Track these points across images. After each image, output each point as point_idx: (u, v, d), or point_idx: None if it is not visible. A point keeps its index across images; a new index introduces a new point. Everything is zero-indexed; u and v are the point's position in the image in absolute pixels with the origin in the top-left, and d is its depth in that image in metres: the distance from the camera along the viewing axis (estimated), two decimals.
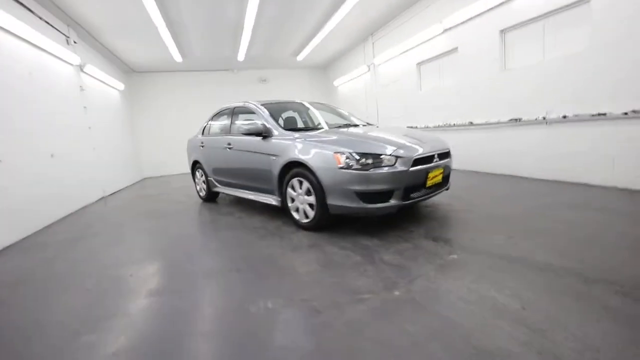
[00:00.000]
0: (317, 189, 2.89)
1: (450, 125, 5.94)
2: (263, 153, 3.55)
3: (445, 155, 3.17)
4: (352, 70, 9.62)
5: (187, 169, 5.72)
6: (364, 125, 4.00)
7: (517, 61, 4.66)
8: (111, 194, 6.94)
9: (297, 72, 11.80)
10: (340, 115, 4.43)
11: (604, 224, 2.63)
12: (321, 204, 2.89)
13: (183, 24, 6.37)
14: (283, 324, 1.66)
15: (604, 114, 3.56)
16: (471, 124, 5.47)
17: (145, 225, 4.06)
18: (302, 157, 2.99)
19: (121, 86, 8.64)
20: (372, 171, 2.63)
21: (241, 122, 4.15)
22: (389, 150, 2.73)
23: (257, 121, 3.67)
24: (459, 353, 1.33)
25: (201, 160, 4.93)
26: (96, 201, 6.08)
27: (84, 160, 5.85)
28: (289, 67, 11.49)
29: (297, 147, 3.12)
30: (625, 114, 3.38)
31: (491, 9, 4.80)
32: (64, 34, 5.56)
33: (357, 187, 2.65)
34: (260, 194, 3.78)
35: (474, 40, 5.23)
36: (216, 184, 4.72)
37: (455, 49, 5.68)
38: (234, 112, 4.42)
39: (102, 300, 2.09)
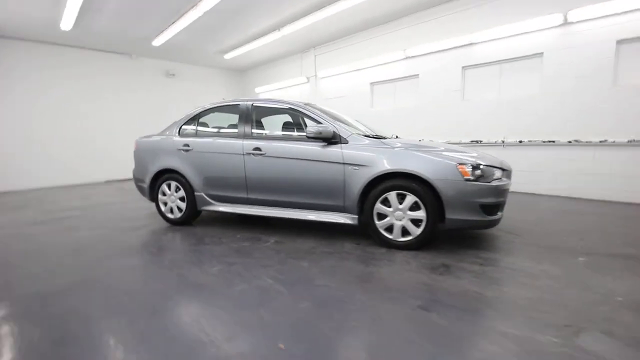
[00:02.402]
0: (430, 203, 2.64)
1: None
2: (331, 162, 2.96)
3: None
4: (284, 79, 9.30)
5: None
6: (379, 137, 3.81)
7: (476, 94, 5.70)
8: None
9: (212, 72, 10.44)
10: (346, 122, 4.05)
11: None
12: (433, 219, 2.66)
13: None
14: None
15: (553, 141, 4.83)
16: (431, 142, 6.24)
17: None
18: (413, 169, 2.67)
19: None
20: (494, 183, 2.64)
21: (287, 125, 3.37)
22: (499, 163, 2.81)
23: (325, 124, 3.02)
24: None
25: (182, 170, 3.62)
26: None
27: None
28: (204, 65, 10.05)
29: (398, 156, 2.77)
30: (569, 142, 4.69)
31: (455, 47, 5.71)
32: None
33: (484, 200, 2.59)
34: (319, 213, 3.10)
35: (436, 70, 6.05)
36: (210, 200, 3.56)
37: (416, 75, 6.40)
38: (254, 111, 3.50)
39: None
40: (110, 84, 8.50)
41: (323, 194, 3.04)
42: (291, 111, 3.42)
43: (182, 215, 3.73)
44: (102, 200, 5.78)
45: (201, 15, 5.66)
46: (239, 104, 3.59)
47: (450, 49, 5.77)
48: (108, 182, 8.47)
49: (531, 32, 4.85)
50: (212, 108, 3.78)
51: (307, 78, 8.72)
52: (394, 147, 2.84)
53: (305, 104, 3.35)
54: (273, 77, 9.78)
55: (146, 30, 6.82)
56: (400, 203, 2.75)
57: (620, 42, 4.18)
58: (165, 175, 3.77)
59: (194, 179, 3.59)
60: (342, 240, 3.11)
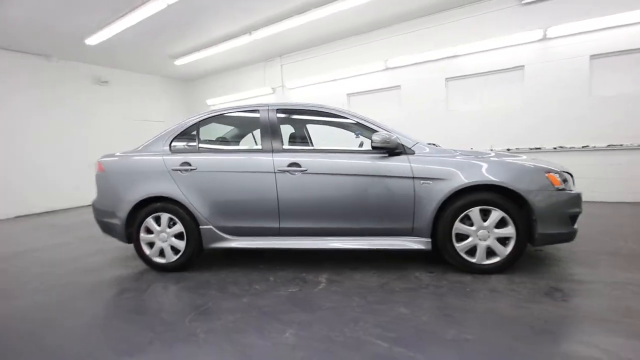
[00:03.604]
0: (520, 217, 2.32)
1: None
2: (397, 177, 2.45)
3: None
4: (244, 90, 8.47)
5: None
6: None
7: (460, 105, 5.81)
8: None
9: (153, 80, 9.05)
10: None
11: None
12: (524, 237, 2.33)
13: None
14: None
15: (539, 148, 5.10)
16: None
17: None
18: (502, 180, 2.32)
19: None
20: (576, 191, 2.44)
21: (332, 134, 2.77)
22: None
23: (384, 132, 2.48)
24: None
25: (181, 196, 2.69)
26: None
27: None
28: (145, 71, 8.65)
29: (480, 167, 2.40)
30: (555, 148, 5.00)
31: (438, 59, 5.79)
32: None
33: (573, 210, 2.36)
34: (380, 239, 2.53)
35: (419, 81, 6.05)
36: (222, 234, 2.71)
37: (397, 87, 6.32)
38: (280, 118, 2.80)
39: None
40: (24, 90, 6.62)
41: (387, 215, 2.50)
42: (330, 117, 2.83)
43: (180, 258, 2.76)
44: (33, 244, 4.21)
45: (164, 8, 4.67)
46: (257, 110, 2.86)
47: (433, 60, 5.83)
48: (19, 217, 6.45)
49: (513, 45, 5.14)
50: (216, 116, 2.95)
51: (273, 89, 8.08)
52: (470, 157, 2.48)
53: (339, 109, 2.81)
54: (230, 88, 8.86)
55: (81, 24, 5.44)
56: (484, 220, 2.38)
57: (593, 57, 4.64)
58: (150, 205, 2.78)
59: (200, 208, 2.70)
60: (409, 270, 2.58)
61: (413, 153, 2.50)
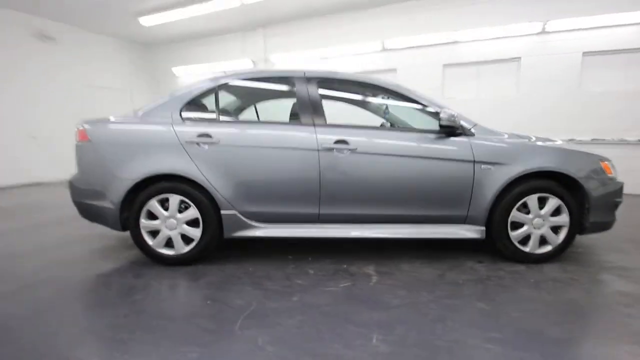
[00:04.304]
0: (575, 205, 2.26)
1: None
2: (457, 160, 2.24)
3: None
4: (218, 60, 7.66)
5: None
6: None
7: (456, 93, 5.80)
8: None
9: (111, 43, 7.82)
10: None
11: None
12: (576, 225, 2.28)
13: None
14: None
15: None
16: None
17: None
18: (564, 167, 2.22)
19: None
20: (621, 181, 2.45)
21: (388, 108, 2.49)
22: None
23: (450, 111, 2.21)
24: None
25: (198, 175, 2.20)
26: None
27: None
28: (101, 31, 7.40)
29: (540, 152, 2.28)
30: None
31: (438, 44, 5.68)
32: None
33: (619, 199, 2.37)
34: (431, 227, 2.32)
35: (416, 66, 5.90)
36: (248, 221, 2.29)
37: (394, 69, 6.12)
38: (319, 88, 2.39)
39: None
40: None
41: (441, 202, 2.29)
42: (377, 90, 2.51)
43: (194, 249, 2.29)
44: None
45: None
46: (291, 77, 2.42)
47: (432, 45, 5.71)
48: None
49: (511, 37, 5.20)
50: (239, 81, 2.45)
51: (253, 61, 7.40)
52: (531, 141, 2.35)
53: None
54: (203, 57, 7.94)
55: None
56: (540, 208, 2.28)
57: (585, 53, 4.86)
58: (155, 185, 2.24)
59: (222, 190, 2.24)
60: (458, 260, 2.42)
61: (473, 135, 2.30)
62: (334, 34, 6.49)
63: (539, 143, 2.39)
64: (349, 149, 2.23)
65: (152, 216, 2.29)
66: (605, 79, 4.86)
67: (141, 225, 2.28)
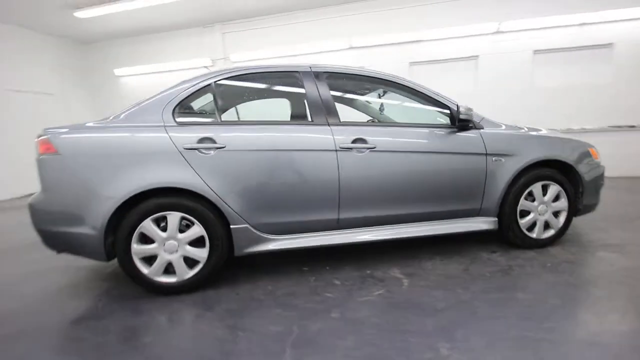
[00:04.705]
0: (571, 191, 2.41)
1: None
2: (471, 153, 2.25)
3: None
4: (171, 60, 7.00)
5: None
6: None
7: None
8: None
9: (37, 39, 6.68)
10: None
11: None
12: (573, 208, 2.45)
13: None
14: None
15: None
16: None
17: None
18: (562, 155, 2.35)
19: None
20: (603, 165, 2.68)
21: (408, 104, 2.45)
22: None
23: (456, 103, 2.18)
24: None
25: (202, 188, 1.90)
26: None
27: None
28: (23, 24, 6.27)
29: (541, 142, 2.41)
30: None
31: (404, 42, 5.82)
32: None
33: (602, 182, 2.58)
34: (437, 223, 2.29)
35: (384, 64, 5.93)
36: (262, 234, 2.05)
37: (361, 67, 6.11)
38: (329, 84, 2.23)
39: None
40: None
41: (459, 196, 2.29)
42: (385, 83, 2.43)
43: (199, 273, 1.98)
44: None
45: None
46: (296, 72, 2.22)
47: (398, 43, 5.84)
48: None
49: (470, 36, 5.52)
50: (238, 76, 2.17)
51: (213, 61, 6.89)
52: (530, 132, 2.46)
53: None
54: (151, 56, 7.19)
55: None
56: (545, 196, 2.40)
57: (536, 52, 5.36)
58: (148, 202, 1.88)
59: (232, 202, 1.96)
60: (471, 252, 2.45)
61: (482, 128, 2.34)
62: (299, 31, 6.31)
63: (536, 133, 2.52)
64: (368, 148, 2.11)
65: (146, 240, 1.94)
66: (552, 75, 5.41)
67: (133, 251, 1.90)
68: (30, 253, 2.84)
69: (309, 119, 2.16)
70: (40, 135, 1.91)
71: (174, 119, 2.00)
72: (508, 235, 2.41)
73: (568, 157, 2.39)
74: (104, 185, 1.86)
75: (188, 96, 2.06)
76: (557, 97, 5.40)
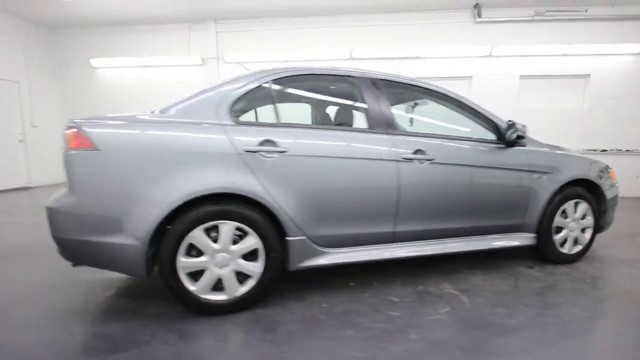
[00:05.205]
0: (596, 209, 2.56)
1: None
2: (517, 169, 2.29)
3: None
4: (155, 55, 6.57)
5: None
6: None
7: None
8: None
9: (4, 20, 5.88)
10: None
11: None
12: (597, 225, 2.59)
13: None
14: None
15: None
16: None
17: None
18: (591, 174, 2.49)
19: None
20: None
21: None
22: None
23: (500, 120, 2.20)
24: None
25: (262, 195, 1.72)
26: None
27: None
28: None
29: (573, 161, 2.53)
30: None
31: (404, 58, 5.97)
32: None
33: (617, 200, 2.77)
34: (483, 238, 2.29)
35: None
36: (318, 247, 1.90)
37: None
38: (386, 91, 2.16)
39: None
40: None
41: (504, 211, 2.32)
42: (438, 96, 2.41)
43: (253, 289, 1.77)
44: None
45: None
46: (353, 77, 2.13)
47: (397, 58, 5.98)
48: None
49: (466, 57, 5.82)
50: (295, 77, 2.02)
51: (203, 59, 6.55)
52: (565, 151, 2.57)
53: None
54: (134, 48, 6.68)
55: None
56: (576, 213, 2.52)
57: (522, 77, 5.77)
58: (200, 210, 1.66)
59: (291, 212, 1.80)
60: (509, 267, 2.48)
61: (525, 145, 2.40)
62: (297, 36, 6.24)
63: (570, 152, 2.65)
64: (428, 159, 2.06)
65: (193, 252, 1.70)
66: (535, 99, 5.85)
67: (179, 265, 1.66)
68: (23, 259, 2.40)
69: (369, 126, 2.07)
70: (71, 127, 1.61)
71: (233, 118, 1.80)
72: (544, 251, 2.49)
73: (595, 177, 2.54)
74: (152, 188, 1.61)
75: (244, 94, 1.87)
76: (539, 120, 5.83)
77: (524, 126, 2.25)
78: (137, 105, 6.39)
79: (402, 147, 2.02)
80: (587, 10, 5.33)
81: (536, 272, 2.40)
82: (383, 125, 2.06)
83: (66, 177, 1.61)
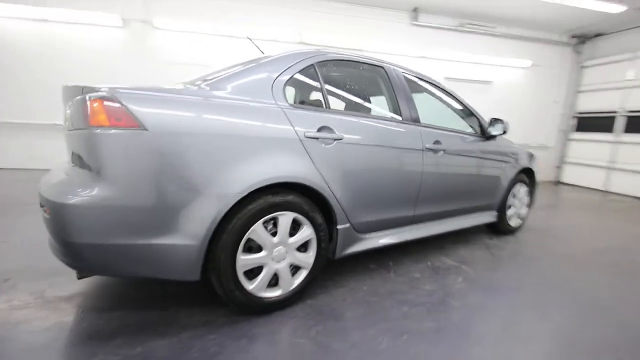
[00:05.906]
0: (531, 191, 3.28)
1: None
2: (493, 158, 2.75)
3: None
4: (55, 6, 5.08)
5: None
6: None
7: None
8: None
9: None
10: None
11: None
12: (528, 204, 3.33)
13: None
14: None
15: None
16: None
17: None
18: (531, 163, 3.15)
19: None
20: None
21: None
22: None
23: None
24: None
25: (320, 184, 1.67)
26: None
27: None
28: None
29: (520, 150, 3.12)
30: None
31: (350, 49, 6.13)
32: None
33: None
34: (468, 216, 2.71)
35: None
36: (359, 234, 1.96)
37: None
38: (406, 85, 2.29)
39: None
40: None
41: (484, 193, 2.78)
42: (437, 91, 2.63)
43: (304, 282, 1.72)
44: None
45: None
46: (381, 66, 2.17)
47: (343, 48, 6.12)
48: None
49: (403, 55, 6.38)
50: (335, 60, 1.96)
51: (124, 20, 5.40)
52: (516, 145, 3.16)
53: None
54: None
55: None
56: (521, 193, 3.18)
57: (446, 78, 6.66)
58: (259, 201, 1.50)
59: (343, 199, 1.78)
60: (477, 238, 3.01)
61: (496, 139, 2.87)
62: (241, 8, 5.74)
63: (519, 146, 3.26)
64: (443, 149, 2.30)
65: (250, 248, 1.54)
66: None
67: (238, 263, 1.48)
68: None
69: (403, 118, 2.17)
70: (104, 98, 1.21)
71: (285, 100, 1.64)
72: (500, 225, 3.08)
73: (534, 165, 3.26)
74: (212, 177, 1.37)
75: (296, 72, 1.72)
76: None
77: (507, 124, 2.71)
78: (36, 71, 4.97)
79: (426, 138, 2.21)
80: (495, 28, 6.52)
81: (499, 242, 2.97)
82: (413, 117, 2.20)
83: (95, 163, 1.22)
